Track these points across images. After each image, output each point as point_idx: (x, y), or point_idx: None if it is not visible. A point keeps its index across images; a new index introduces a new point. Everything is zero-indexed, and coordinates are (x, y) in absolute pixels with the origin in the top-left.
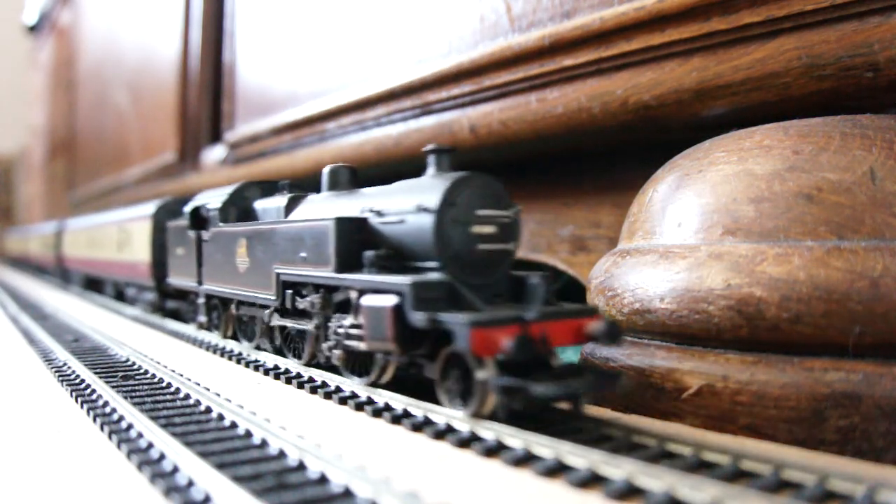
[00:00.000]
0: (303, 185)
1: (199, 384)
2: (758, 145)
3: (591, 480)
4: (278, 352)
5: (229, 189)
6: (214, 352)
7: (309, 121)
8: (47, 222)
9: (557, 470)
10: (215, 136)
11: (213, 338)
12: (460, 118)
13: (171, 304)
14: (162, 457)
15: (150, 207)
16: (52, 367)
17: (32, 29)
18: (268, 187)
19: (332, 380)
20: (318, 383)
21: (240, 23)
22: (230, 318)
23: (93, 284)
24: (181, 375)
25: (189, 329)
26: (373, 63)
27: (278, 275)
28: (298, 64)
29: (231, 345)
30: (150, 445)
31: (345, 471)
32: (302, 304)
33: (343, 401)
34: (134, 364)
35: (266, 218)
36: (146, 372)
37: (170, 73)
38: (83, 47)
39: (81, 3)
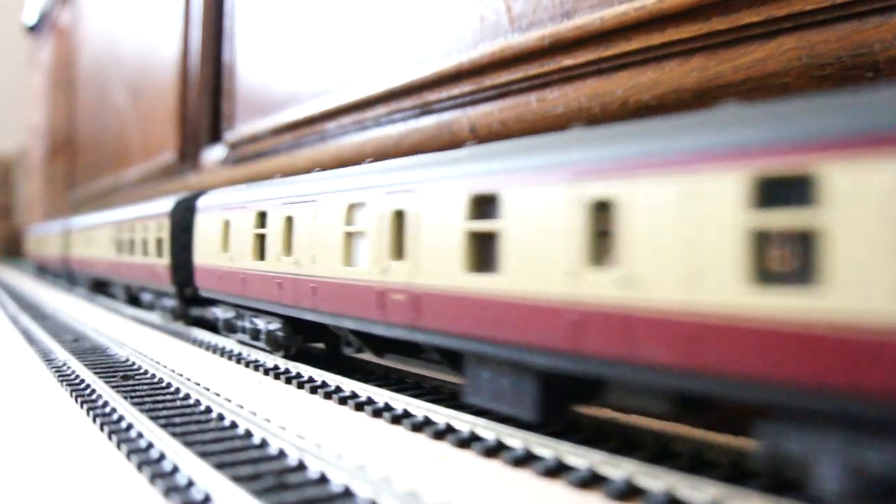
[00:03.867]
0: None
1: (198, 384)
2: None
3: (591, 480)
4: None
5: None
6: (214, 352)
7: (309, 121)
8: (149, 201)
9: (557, 470)
10: (215, 136)
11: (213, 337)
12: (460, 118)
13: None
14: (162, 457)
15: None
16: (52, 367)
17: (32, 29)
18: None
19: (332, 380)
20: (319, 383)
21: (240, 23)
22: None
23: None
24: (181, 375)
25: (189, 329)
26: (373, 63)
27: None
28: (298, 64)
29: (230, 344)
30: (150, 445)
31: (345, 471)
32: None
33: (343, 401)
34: (134, 364)
35: None
36: (146, 372)
37: (170, 73)
38: (83, 47)
39: (81, 3)
